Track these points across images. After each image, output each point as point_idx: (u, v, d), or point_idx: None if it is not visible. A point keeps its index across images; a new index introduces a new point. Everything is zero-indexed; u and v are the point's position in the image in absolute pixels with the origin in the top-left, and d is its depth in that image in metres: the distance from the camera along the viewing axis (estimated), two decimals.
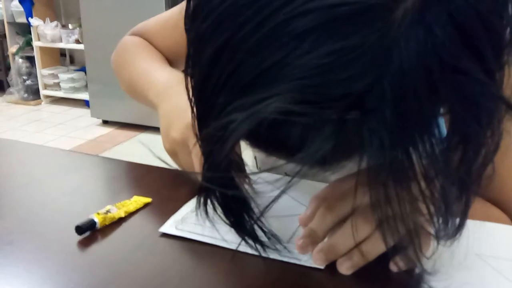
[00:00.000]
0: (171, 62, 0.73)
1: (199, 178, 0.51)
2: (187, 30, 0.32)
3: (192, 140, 0.49)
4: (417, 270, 0.37)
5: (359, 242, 0.39)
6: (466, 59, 0.27)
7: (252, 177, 0.37)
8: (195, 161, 0.49)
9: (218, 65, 0.29)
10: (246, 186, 0.36)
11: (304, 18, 0.25)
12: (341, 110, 0.27)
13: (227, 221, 0.37)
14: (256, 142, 0.34)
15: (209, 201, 0.37)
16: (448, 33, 0.26)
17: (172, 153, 0.53)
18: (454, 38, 0.26)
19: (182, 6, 0.73)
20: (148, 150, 0.42)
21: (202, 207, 0.37)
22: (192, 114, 0.35)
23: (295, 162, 0.29)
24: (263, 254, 0.40)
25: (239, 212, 0.37)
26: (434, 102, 0.28)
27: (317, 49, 0.26)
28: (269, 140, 0.33)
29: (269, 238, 0.38)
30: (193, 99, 0.34)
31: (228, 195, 0.36)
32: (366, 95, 0.27)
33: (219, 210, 0.37)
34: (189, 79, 0.34)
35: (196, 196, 0.37)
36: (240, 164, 0.37)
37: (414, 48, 0.26)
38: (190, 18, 0.32)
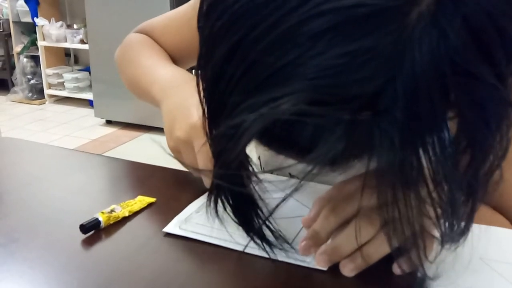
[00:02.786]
0: (175, 60, 0.73)
1: (203, 178, 0.52)
2: (200, 27, 0.32)
3: (197, 139, 0.49)
4: (420, 273, 0.37)
5: (362, 244, 0.39)
6: (479, 63, 0.27)
7: (260, 177, 0.37)
8: (200, 160, 0.49)
9: (231, 63, 0.29)
10: (255, 186, 0.37)
11: (319, 19, 0.26)
12: (354, 110, 0.27)
13: (236, 220, 0.38)
14: (268, 141, 0.34)
15: (219, 200, 0.37)
16: (462, 37, 0.26)
17: (176, 151, 0.53)
18: (468, 42, 0.26)
19: (189, 5, 0.73)
20: (156, 149, 0.42)
21: (212, 205, 0.37)
22: (203, 113, 0.35)
23: (306, 162, 0.30)
24: (270, 254, 0.40)
25: (248, 212, 0.37)
26: (445, 104, 0.28)
27: (331, 49, 0.26)
28: (280, 139, 0.33)
29: (276, 238, 0.39)
30: (203, 97, 0.34)
31: (238, 194, 0.36)
32: (379, 96, 0.27)
33: (228, 209, 0.37)
34: (200, 79, 0.34)
35: (207, 195, 0.37)
36: (248, 164, 0.37)
37: (427, 51, 0.26)
38: (204, 16, 0.32)
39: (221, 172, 0.33)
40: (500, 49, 0.27)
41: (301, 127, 0.30)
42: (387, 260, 0.39)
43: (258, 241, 0.39)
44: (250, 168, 0.37)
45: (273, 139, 0.34)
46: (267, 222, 0.38)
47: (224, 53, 0.29)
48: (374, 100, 0.27)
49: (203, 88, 0.34)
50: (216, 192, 0.37)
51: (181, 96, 0.55)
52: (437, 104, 0.27)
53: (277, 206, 0.33)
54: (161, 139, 0.54)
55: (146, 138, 3.16)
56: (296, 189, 0.31)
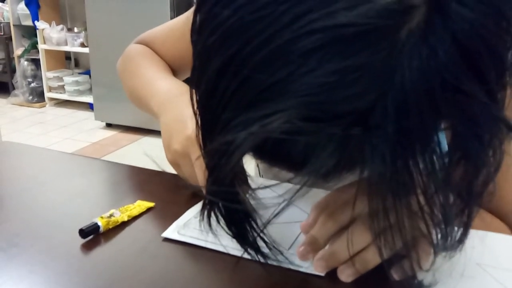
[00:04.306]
0: (175, 71, 0.73)
1: (203, 190, 0.52)
2: (194, 42, 0.33)
3: (194, 152, 0.50)
4: (417, 279, 0.37)
5: (360, 250, 0.39)
6: (468, 79, 0.27)
7: (254, 191, 0.37)
8: (198, 173, 0.49)
9: (223, 79, 0.29)
10: (250, 199, 0.37)
11: (311, 37, 0.26)
12: (345, 126, 0.27)
13: (229, 233, 0.38)
14: (260, 156, 0.35)
15: (212, 213, 0.37)
16: (451, 54, 0.26)
17: (175, 165, 0.53)
18: (457, 59, 0.26)
19: (187, 16, 0.73)
20: (155, 153, 0.43)
21: (206, 219, 0.37)
22: (196, 127, 0.35)
23: (299, 176, 0.30)
24: (264, 265, 0.41)
25: (242, 224, 0.37)
26: (435, 120, 0.28)
27: (323, 67, 0.26)
28: (273, 154, 0.33)
29: (270, 249, 0.39)
30: (198, 112, 0.34)
31: (230, 209, 0.36)
32: (370, 113, 0.27)
33: (222, 221, 0.37)
34: (194, 92, 0.34)
35: (200, 209, 0.37)
36: (243, 177, 0.37)
37: (417, 68, 0.26)
38: (197, 31, 0.32)
39: (214, 188, 0.33)
40: (489, 66, 0.28)
41: (293, 143, 0.30)
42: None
43: (253, 253, 0.39)
44: (245, 181, 0.37)
45: (265, 154, 0.34)
46: (261, 234, 0.38)
47: (216, 69, 0.29)
48: (365, 116, 0.27)
49: (197, 101, 0.34)
50: (209, 206, 0.37)
51: (178, 109, 0.55)
52: (428, 120, 0.28)
53: (268, 221, 0.33)
54: (159, 142, 0.54)
55: (145, 141, 3.17)
56: (287, 205, 0.31)
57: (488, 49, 0.27)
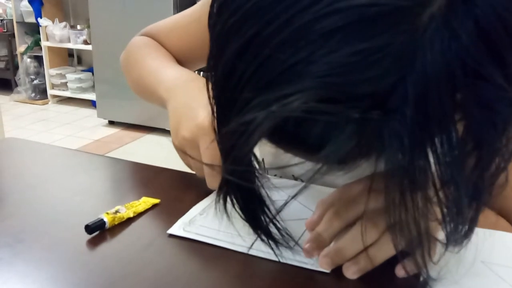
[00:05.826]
0: (181, 63, 0.73)
1: (207, 177, 0.52)
2: (212, 25, 0.33)
3: (203, 140, 0.50)
4: (423, 276, 0.38)
5: (366, 246, 0.39)
6: (489, 64, 0.27)
7: (267, 176, 0.38)
8: (207, 157, 0.49)
9: (243, 59, 0.29)
10: (263, 184, 0.37)
11: (332, 17, 0.26)
12: (364, 109, 0.27)
13: (243, 217, 0.38)
14: (277, 139, 0.35)
15: (227, 198, 0.37)
16: (473, 39, 0.26)
17: (181, 151, 0.53)
18: (478, 44, 0.26)
19: (196, 8, 0.73)
20: (158, 150, 0.43)
21: (221, 201, 0.38)
22: (212, 111, 0.35)
23: (315, 160, 0.30)
24: (276, 252, 0.41)
25: (256, 209, 0.38)
26: (454, 105, 0.28)
27: (343, 48, 0.26)
28: (290, 137, 0.33)
29: (282, 236, 0.39)
30: (213, 97, 0.34)
31: (246, 192, 0.36)
32: (389, 96, 0.27)
33: (236, 206, 0.38)
34: (209, 78, 0.34)
35: (216, 192, 0.38)
36: (256, 163, 0.37)
37: (438, 52, 0.26)
38: (216, 13, 0.32)
39: (232, 168, 0.33)
40: (510, 51, 0.27)
41: (311, 125, 0.30)
42: (390, 263, 0.40)
43: (265, 239, 0.39)
44: (258, 166, 0.37)
45: (283, 137, 0.34)
46: (274, 221, 0.39)
47: (236, 50, 0.29)
48: (385, 99, 0.27)
49: (212, 87, 0.34)
50: (226, 189, 0.37)
51: (188, 96, 0.55)
52: (447, 105, 0.27)
53: (285, 203, 0.33)
54: (163, 140, 0.54)
55: (148, 139, 3.17)
56: (305, 187, 0.31)
57: (509, 34, 0.27)
